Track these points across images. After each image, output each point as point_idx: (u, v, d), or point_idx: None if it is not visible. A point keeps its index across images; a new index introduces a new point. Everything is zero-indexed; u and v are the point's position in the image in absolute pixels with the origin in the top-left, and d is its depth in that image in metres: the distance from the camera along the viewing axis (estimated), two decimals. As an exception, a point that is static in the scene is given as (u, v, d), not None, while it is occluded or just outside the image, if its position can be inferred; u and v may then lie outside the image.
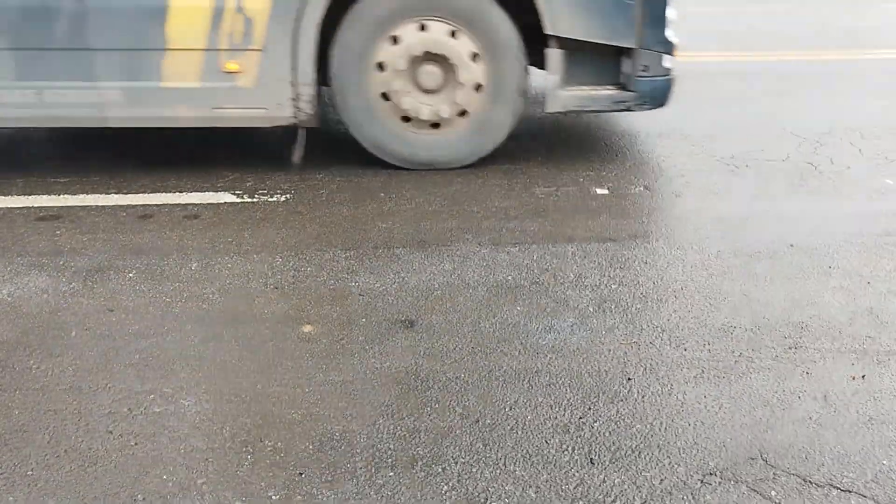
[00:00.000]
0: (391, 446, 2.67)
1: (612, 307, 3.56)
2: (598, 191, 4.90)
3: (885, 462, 2.59)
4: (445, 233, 4.33)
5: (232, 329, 3.38)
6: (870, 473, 2.54)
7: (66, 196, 4.82)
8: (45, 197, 4.81)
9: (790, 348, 3.25)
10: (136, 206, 4.69)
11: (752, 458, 2.61)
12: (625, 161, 5.41)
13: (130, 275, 3.86)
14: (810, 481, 2.50)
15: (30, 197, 4.82)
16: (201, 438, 2.72)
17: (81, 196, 4.83)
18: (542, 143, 5.84)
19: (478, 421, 2.80)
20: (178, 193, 4.85)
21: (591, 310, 3.54)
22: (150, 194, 4.85)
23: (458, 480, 2.51)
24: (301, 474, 2.54)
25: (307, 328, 3.40)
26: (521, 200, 4.77)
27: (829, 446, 2.66)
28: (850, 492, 2.45)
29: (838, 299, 3.63)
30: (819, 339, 3.32)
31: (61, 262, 3.98)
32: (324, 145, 5.71)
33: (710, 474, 2.53)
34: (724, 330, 3.38)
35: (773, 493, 2.45)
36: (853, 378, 3.05)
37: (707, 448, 2.66)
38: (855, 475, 2.53)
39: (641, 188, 4.94)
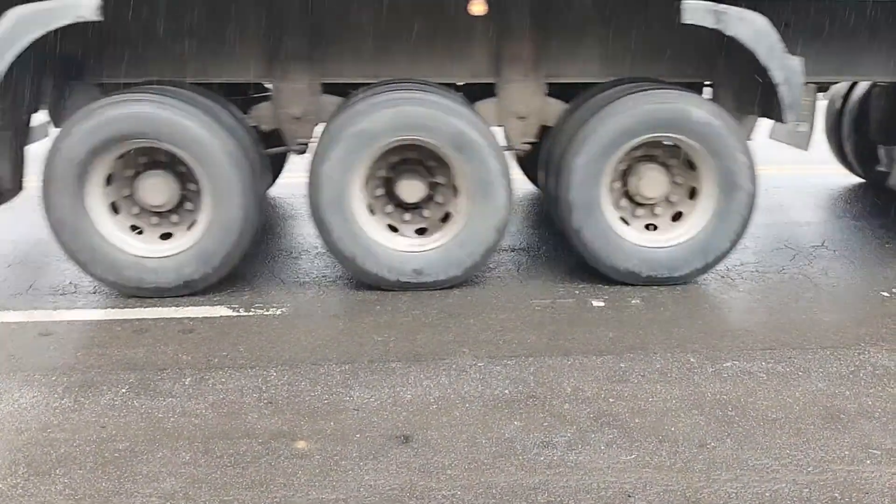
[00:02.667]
0: (385, 568, 2.59)
1: (611, 421, 3.52)
2: (595, 303, 4.91)
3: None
4: (442, 346, 4.31)
5: (224, 445, 3.33)
6: None
7: (61, 311, 4.82)
8: (39, 312, 4.81)
9: (793, 463, 3.19)
10: (132, 319, 4.68)
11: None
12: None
13: (123, 390, 3.82)
14: None
15: (26, 312, 4.81)
16: (189, 560, 2.64)
17: (76, 311, 4.83)
18: (538, 254, 5.88)
19: (474, 540, 2.73)
20: (174, 308, 4.84)
21: (589, 424, 3.50)
22: (146, 308, 4.84)
23: None
24: None
25: (301, 444, 3.34)
26: (517, 313, 4.76)
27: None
28: None
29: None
30: (822, 453, 3.26)
31: (54, 378, 3.94)
32: (320, 260, 5.75)
33: None
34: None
35: None
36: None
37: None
38: None
39: (638, 300, 4.94)
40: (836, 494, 2.96)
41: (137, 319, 4.67)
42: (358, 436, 3.40)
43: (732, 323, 4.70)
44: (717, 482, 3.06)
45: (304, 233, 6.57)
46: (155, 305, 4.87)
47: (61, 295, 5.09)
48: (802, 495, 2.96)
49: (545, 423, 3.50)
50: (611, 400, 3.71)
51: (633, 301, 4.93)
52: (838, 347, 4.26)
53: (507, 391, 3.80)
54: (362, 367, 4.05)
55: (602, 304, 4.90)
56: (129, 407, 3.66)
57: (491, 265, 5.41)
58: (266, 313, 4.76)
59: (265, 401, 3.71)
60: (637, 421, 3.52)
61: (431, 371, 4.00)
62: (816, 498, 2.94)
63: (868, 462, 3.19)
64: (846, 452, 3.26)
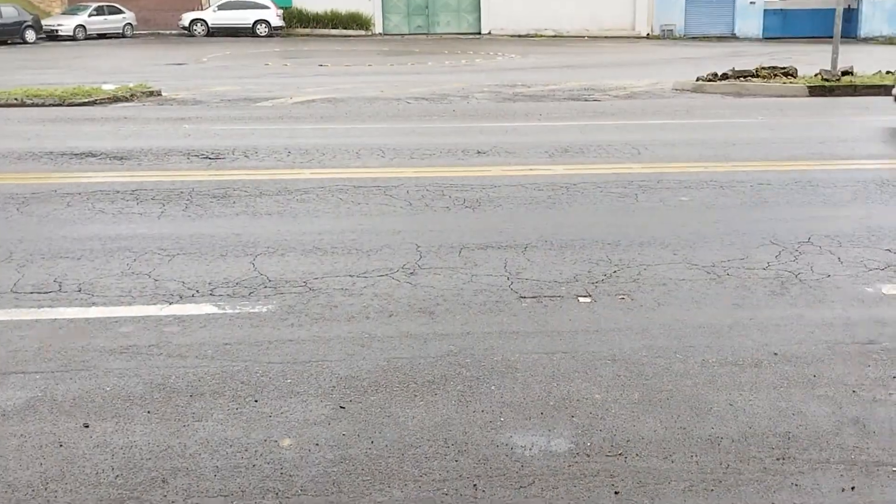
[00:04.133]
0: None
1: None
2: (582, 299, 4.91)
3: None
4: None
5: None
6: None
7: (46, 309, 4.80)
8: (16, 311, 4.78)
9: (778, 459, 3.21)
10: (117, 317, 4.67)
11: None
12: (607, 269, 5.42)
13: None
14: None
15: (8, 311, 4.78)
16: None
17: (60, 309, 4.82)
18: (525, 252, 5.88)
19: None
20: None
21: (579, 421, 3.51)
22: (130, 306, 4.83)
23: None
24: None
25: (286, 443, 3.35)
26: (510, 310, 4.76)
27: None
28: None
29: (824, 409, 3.61)
30: (806, 449, 3.28)
31: (34, 373, 3.93)
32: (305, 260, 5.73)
33: None
34: (711, 441, 3.35)
35: None
36: (843, 490, 3.01)
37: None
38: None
39: (624, 296, 4.95)
40: (821, 490, 2.98)
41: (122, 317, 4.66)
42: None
43: (717, 323, 4.71)
44: (702, 480, 3.07)
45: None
46: (136, 304, 4.86)
47: (45, 293, 5.05)
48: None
49: (532, 414, 3.52)
50: (596, 396, 3.72)
51: (619, 297, 4.93)
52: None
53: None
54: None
55: (588, 300, 4.90)
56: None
57: (488, 257, 5.40)
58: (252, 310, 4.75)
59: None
60: (622, 417, 3.54)
61: (417, 368, 4.00)
62: (801, 494, 2.95)
63: None
64: (831, 448, 3.28)
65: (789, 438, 3.35)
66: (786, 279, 5.23)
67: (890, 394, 3.75)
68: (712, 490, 3.01)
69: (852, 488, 3.01)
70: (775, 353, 4.15)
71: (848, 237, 6.11)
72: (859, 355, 4.14)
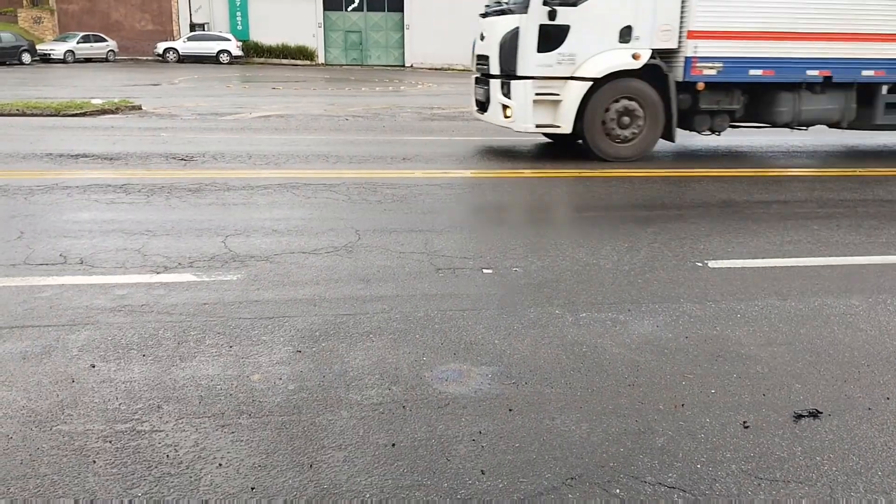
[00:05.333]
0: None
1: (493, 359, 3.71)
2: (485, 271, 5.08)
3: None
4: (365, 301, 4.42)
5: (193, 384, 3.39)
6: None
7: (54, 277, 4.75)
8: (29, 278, 4.72)
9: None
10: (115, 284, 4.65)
11: None
12: (505, 248, 5.61)
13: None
14: None
15: (23, 278, 4.72)
16: (170, 464, 2.71)
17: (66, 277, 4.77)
18: (441, 234, 6.03)
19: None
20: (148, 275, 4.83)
21: (478, 359, 3.68)
22: (125, 275, 4.81)
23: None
24: (252, 489, 2.57)
25: (255, 377, 3.44)
26: (429, 278, 4.91)
27: None
28: None
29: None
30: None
31: (51, 328, 3.92)
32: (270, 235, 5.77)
33: None
34: (584, 367, 3.55)
35: None
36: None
37: None
38: None
39: (518, 269, 5.13)
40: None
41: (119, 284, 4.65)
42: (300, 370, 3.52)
43: (590, 284, 4.95)
44: (574, 399, 3.30)
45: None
46: (129, 273, 4.85)
47: (52, 265, 4.99)
48: (635, 406, 3.22)
49: (446, 354, 3.68)
50: (495, 342, 3.91)
51: (514, 269, 5.14)
52: (663, 302, 4.57)
53: (420, 335, 3.96)
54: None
55: (490, 271, 5.09)
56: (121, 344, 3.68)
57: (412, 245, 5.53)
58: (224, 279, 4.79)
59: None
60: (515, 357, 3.73)
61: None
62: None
63: (684, 382, 3.48)
64: (668, 378, 3.54)
65: (638, 370, 3.59)
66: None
67: None
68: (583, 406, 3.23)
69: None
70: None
71: None
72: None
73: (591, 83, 9.21)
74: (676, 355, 3.79)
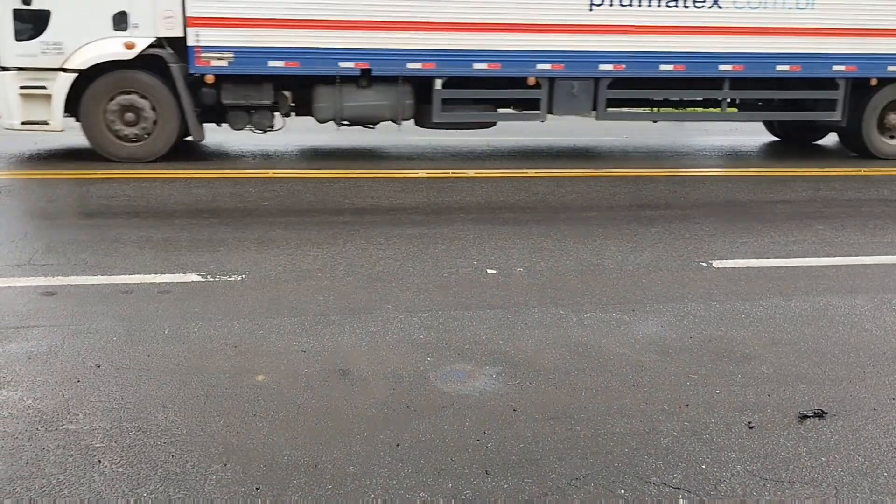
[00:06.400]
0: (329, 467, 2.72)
1: (500, 359, 3.70)
2: (489, 271, 5.07)
3: None
4: (371, 303, 4.42)
5: (198, 379, 3.40)
6: None
7: (60, 277, 4.75)
8: (41, 278, 4.72)
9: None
10: (119, 284, 4.65)
11: None
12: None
13: (114, 337, 3.83)
14: None
15: (30, 278, 4.73)
16: (175, 464, 2.72)
17: (73, 277, 4.77)
18: (442, 237, 6.03)
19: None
20: (153, 275, 4.83)
21: (485, 359, 3.68)
22: (130, 275, 4.81)
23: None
24: (257, 489, 2.57)
25: (260, 377, 3.44)
26: (429, 278, 4.90)
27: None
28: None
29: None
30: (655, 378, 3.50)
31: (56, 329, 3.93)
32: (272, 238, 5.79)
33: None
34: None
35: None
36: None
37: None
38: None
39: (521, 269, 5.13)
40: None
41: (124, 284, 4.65)
42: (305, 370, 3.51)
43: (593, 284, 4.94)
44: (579, 399, 3.29)
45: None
46: (137, 272, 4.85)
47: (57, 265, 5.00)
48: (639, 406, 3.22)
49: (451, 358, 3.68)
50: (500, 342, 3.90)
51: (518, 269, 5.13)
52: (668, 302, 4.55)
53: (421, 336, 3.95)
54: (308, 320, 4.14)
55: (494, 272, 5.08)
56: (121, 351, 3.68)
57: (409, 243, 5.53)
58: (229, 279, 4.79)
59: (231, 345, 3.78)
60: (520, 357, 3.72)
61: (363, 322, 4.12)
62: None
63: (689, 382, 3.47)
64: (673, 378, 3.54)
65: (643, 370, 3.58)
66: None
67: None
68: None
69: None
70: (634, 310, 4.37)
71: None
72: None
73: (77, 75, 8.37)
74: (681, 355, 3.78)
